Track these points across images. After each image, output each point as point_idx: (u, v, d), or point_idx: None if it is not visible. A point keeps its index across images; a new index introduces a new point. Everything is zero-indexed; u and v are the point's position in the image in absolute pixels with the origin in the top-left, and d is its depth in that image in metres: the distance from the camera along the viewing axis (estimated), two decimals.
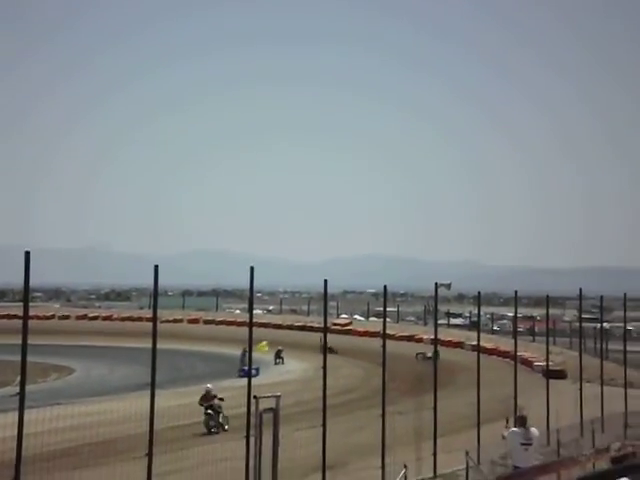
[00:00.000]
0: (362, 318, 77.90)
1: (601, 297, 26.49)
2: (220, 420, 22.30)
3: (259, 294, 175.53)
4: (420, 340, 52.82)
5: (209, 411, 22.36)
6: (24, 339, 9.18)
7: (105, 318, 72.00)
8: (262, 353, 44.00)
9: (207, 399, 22.62)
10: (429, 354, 46.20)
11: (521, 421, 12.94)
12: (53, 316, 71.21)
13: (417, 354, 45.00)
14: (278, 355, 45.18)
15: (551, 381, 22.52)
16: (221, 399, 22.64)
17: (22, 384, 9.33)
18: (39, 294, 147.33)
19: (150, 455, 10.80)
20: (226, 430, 21.84)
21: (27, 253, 9.19)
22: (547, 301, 26.54)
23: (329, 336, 15.62)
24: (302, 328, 61.97)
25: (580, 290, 25.13)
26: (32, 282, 9.53)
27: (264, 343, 46.37)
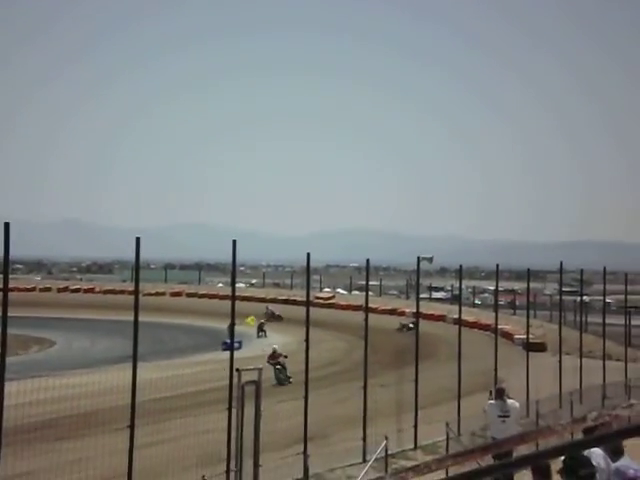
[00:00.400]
0: (345, 292, 78.07)
1: (581, 270, 26.75)
2: (287, 374, 26.60)
3: (242, 268, 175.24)
4: (402, 313, 53.12)
5: (278, 367, 27.07)
6: (4, 311, 9.11)
7: (87, 291, 71.57)
8: (249, 327, 44.26)
9: (274, 357, 27.65)
10: (411, 325, 47.22)
11: (499, 393, 13.07)
12: (34, 288, 70.63)
13: (401, 326, 46.31)
14: (261, 328, 45.28)
15: (531, 354, 22.78)
16: (285, 356, 26.94)
17: (2, 356, 9.28)
18: (20, 266, 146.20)
19: (132, 427, 10.83)
20: (291, 382, 25.20)
21: (6, 225, 9.09)
22: (528, 275, 26.74)
23: (312, 310, 15.66)
24: (285, 302, 61.98)
25: (561, 264, 25.34)
26: (12, 254, 9.43)
27: (251, 318, 46.48)
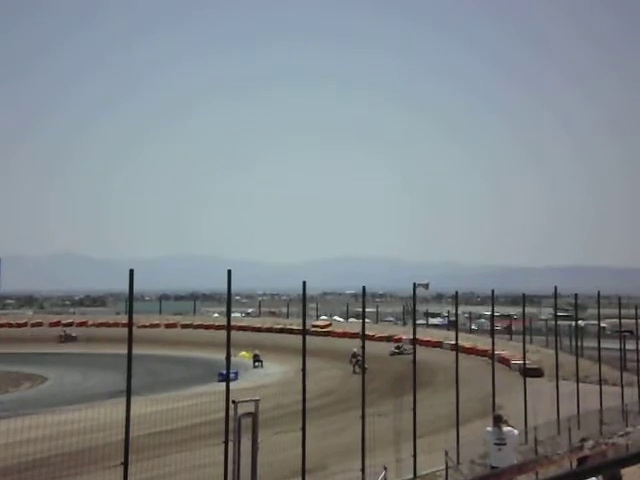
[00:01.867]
0: (341, 319, 77.89)
1: (575, 295, 26.72)
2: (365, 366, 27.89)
3: (237, 297, 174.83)
4: (399, 340, 52.92)
5: (355, 360, 38.84)
6: None
7: (79, 324, 71.01)
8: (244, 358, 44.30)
9: (355, 355, 38.93)
10: (399, 349, 48.13)
11: (495, 420, 12.96)
12: (25, 324, 70.09)
13: (394, 350, 47.62)
14: (257, 359, 45.01)
15: (528, 379, 22.66)
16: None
17: None
18: (11, 301, 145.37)
19: (126, 464, 10.66)
20: (366, 369, 25.10)
21: None
22: (523, 300, 26.70)
23: (308, 338, 15.57)
24: (281, 331, 61.76)
25: (555, 289, 25.32)
26: (4, 289, 9.37)
27: (243, 353, 46.27)
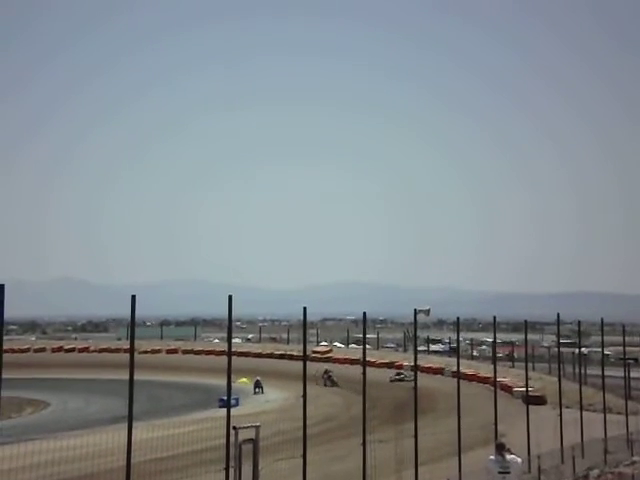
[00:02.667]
0: (342, 345, 77.67)
1: (579, 322, 26.65)
2: (406, 377, 36.51)
3: (238, 323, 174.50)
4: (400, 367, 52.75)
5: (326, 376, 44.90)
6: None
7: (81, 350, 71.00)
8: (246, 385, 44.17)
9: (326, 372, 44.87)
10: (401, 375, 48.17)
11: (498, 448, 12.87)
12: (28, 349, 70.16)
13: (394, 377, 47.84)
14: (257, 385, 44.84)
15: (531, 407, 22.49)
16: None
17: None
18: (14, 327, 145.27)
19: None
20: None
21: (1, 287, 9.07)
22: (525, 326, 26.60)
23: (309, 364, 15.53)
24: (282, 356, 61.62)
25: (558, 315, 25.26)
26: (6, 315, 9.40)
27: (243, 379, 46.08)
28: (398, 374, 49.44)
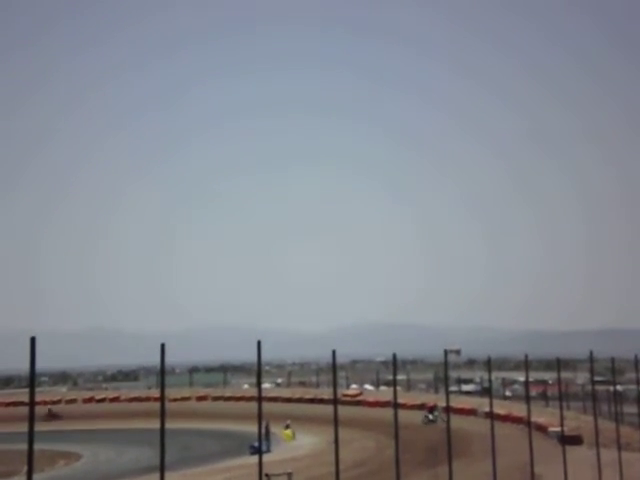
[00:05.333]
0: (372, 387, 77.08)
1: (612, 359, 26.20)
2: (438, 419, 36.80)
3: (267, 367, 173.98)
4: (432, 408, 52.03)
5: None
6: (30, 426, 9.13)
7: (112, 400, 71.20)
8: (287, 439, 43.36)
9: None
10: (431, 417, 47.53)
11: None
12: (60, 401, 70.52)
13: (425, 418, 47.10)
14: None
15: (567, 447, 22.08)
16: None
17: (29, 474, 9.24)
18: (45, 378, 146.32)
19: None
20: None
21: (32, 339, 9.22)
22: (558, 364, 26.20)
23: (339, 408, 15.43)
24: (312, 401, 61.17)
25: (591, 353, 24.88)
26: (38, 366, 9.53)
27: (288, 432, 45.18)
28: (430, 415, 48.80)
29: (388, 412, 40.10)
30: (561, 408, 23.86)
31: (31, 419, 9.19)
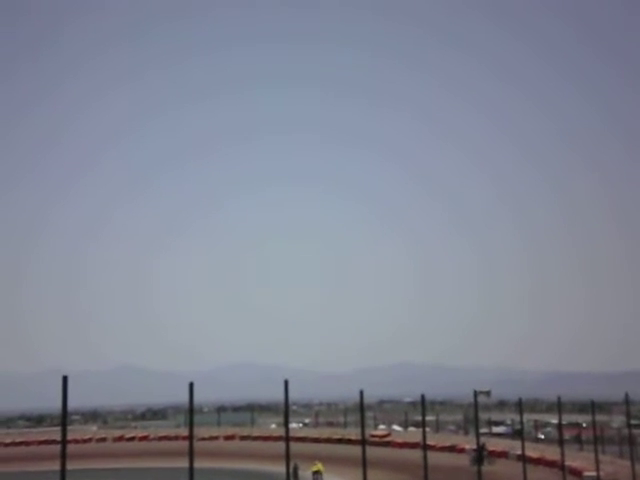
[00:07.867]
0: (400, 428, 76.00)
1: None
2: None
3: (294, 407, 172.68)
4: (462, 450, 51.05)
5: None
6: (62, 465, 9.21)
7: (142, 438, 71.24)
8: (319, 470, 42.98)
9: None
10: (483, 453, 45.89)
11: None
12: (90, 439, 70.92)
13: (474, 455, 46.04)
14: (316, 470, 43.95)
15: None
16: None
17: None
18: (76, 417, 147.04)
19: None
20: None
21: (65, 378, 9.36)
22: (592, 407, 25.73)
23: (367, 448, 15.28)
24: (339, 441, 60.47)
25: (626, 395, 24.43)
26: (70, 405, 9.65)
27: (319, 465, 44.57)
28: (482, 453, 45.97)
29: (417, 453, 39.44)
30: (596, 452, 23.34)
31: (63, 458, 9.28)
